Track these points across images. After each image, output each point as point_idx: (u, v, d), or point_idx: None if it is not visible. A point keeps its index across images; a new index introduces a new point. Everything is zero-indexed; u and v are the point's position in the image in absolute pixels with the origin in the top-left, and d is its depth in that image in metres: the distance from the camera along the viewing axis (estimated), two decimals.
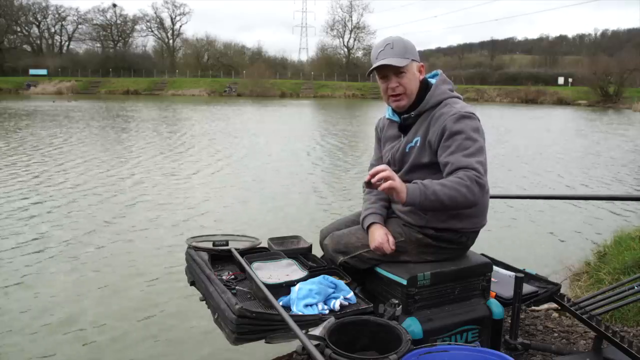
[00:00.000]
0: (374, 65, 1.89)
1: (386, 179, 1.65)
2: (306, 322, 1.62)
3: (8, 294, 3.86)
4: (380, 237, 1.87)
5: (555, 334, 2.57)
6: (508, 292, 2.08)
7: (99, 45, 63.27)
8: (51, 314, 3.56)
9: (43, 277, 4.20)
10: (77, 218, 5.93)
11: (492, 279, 2.02)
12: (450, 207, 1.73)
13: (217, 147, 12.52)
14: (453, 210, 1.79)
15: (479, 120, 1.85)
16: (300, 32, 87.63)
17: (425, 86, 1.94)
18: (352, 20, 58.55)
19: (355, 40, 58.90)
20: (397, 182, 1.67)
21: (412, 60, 1.89)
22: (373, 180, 1.68)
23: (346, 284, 1.89)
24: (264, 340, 1.63)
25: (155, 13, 64.79)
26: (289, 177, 8.92)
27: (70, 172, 8.63)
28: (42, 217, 5.92)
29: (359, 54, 58.39)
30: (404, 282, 1.78)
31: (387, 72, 1.89)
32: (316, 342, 1.41)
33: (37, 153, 10.76)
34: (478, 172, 1.70)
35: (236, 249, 2.14)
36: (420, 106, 1.91)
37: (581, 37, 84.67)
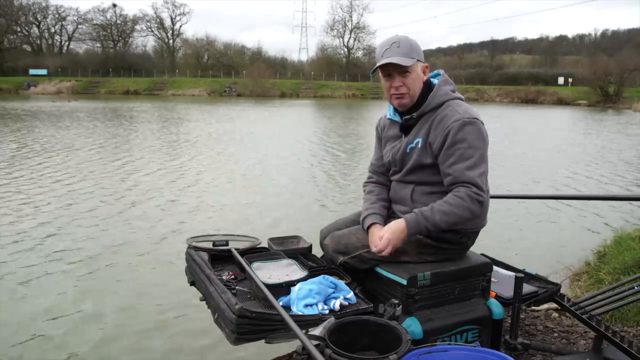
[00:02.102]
0: (379, 63, 1.88)
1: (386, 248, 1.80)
2: (306, 322, 1.62)
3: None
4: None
5: (555, 334, 2.56)
6: (508, 292, 2.08)
7: (99, 45, 63.37)
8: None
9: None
10: (99, 218, 5.93)
11: (492, 279, 2.02)
12: (449, 228, 1.82)
13: (223, 147, 12.49)
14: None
15: (482, 123, 1.85)
16: (300, 32, 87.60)
17: (427, 87, 1.93)
18: (352, 20, 58.65)
19: (355, 40, 58.97)
20: (393, 240, 1.80)
21: (418, 60, 1.88)
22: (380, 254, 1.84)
23: (346, 284, 1.89)
24: (264, 340, 1.63)
25: (155, 13, 64.82)
26: (291, 177, 8.91)
27: (87, 177, 8.55)
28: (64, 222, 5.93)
29: (359, 54, 58.46)
30: (404, 282, 1.78)
31: (392, 70, 1.88)
32: (316, 342, 1.41)
33: (55, 155, 10.67)
34: (479, 188, 1.76)
35: (236, 249, 2.14)
36: (422, 107, 1.91)
37: (581, 37, 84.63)
